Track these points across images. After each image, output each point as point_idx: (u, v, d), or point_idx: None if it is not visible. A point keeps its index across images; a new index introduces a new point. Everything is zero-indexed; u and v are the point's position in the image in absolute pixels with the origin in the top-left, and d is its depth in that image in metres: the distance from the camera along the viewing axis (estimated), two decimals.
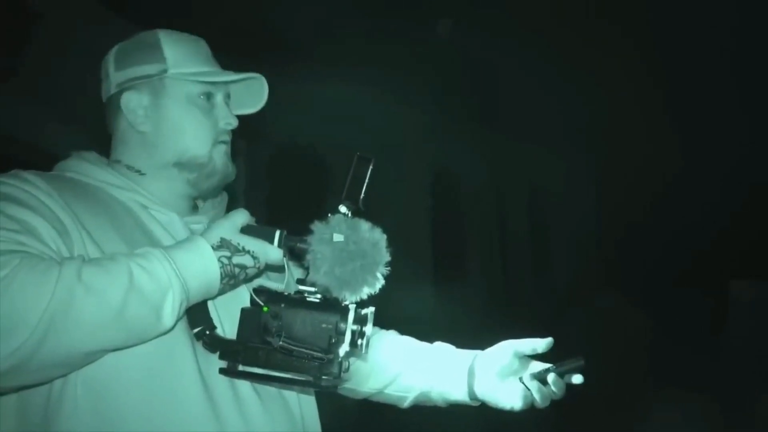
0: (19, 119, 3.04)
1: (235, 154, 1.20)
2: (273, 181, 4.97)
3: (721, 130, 6.91)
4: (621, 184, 8.02)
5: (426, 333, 1.41)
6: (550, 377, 1.14)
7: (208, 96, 1.16)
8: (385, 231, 0.98)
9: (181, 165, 1.13)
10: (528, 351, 1.20)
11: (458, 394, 1.27)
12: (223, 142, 1.17)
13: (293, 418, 1.10)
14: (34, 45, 3.14)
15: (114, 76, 1.15)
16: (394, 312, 1.43)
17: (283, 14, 3.92)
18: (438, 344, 1.35)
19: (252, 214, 1.07)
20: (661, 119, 6.79)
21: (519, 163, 7.80)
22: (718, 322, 5.94)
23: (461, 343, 1.36)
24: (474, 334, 1.49)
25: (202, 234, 1.00)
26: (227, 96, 1.19)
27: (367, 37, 4.46)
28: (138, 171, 1.14)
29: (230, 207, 1.23)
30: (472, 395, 1.25)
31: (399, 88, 4.99)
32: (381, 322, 1.24)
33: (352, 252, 0.95)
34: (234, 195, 1.28)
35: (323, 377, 0.98)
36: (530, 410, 1.19)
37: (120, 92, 1.14)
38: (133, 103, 1.13)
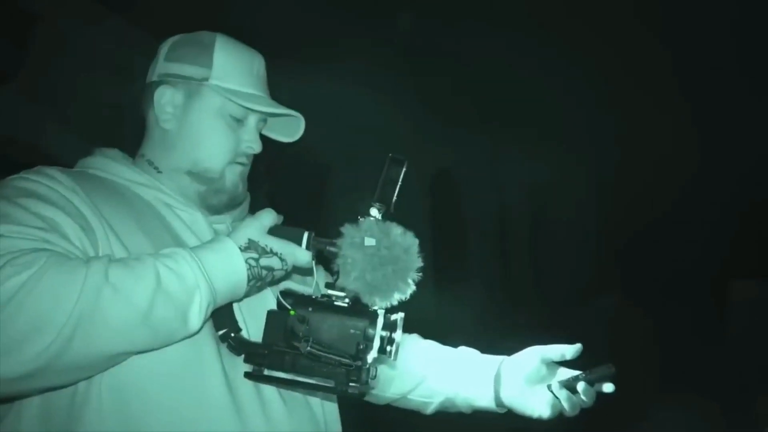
0: (19, 120, 3.01)
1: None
2: (270, 184, 4.98)
3: (719, 130, 6.88)
4: (621, 184, 8.00)
5: (426, 335, 1.39)
6: (580, 386, 1.12)
7: (239, 119, 1.13)
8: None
9: (193, 174, 1.11)
10: (556, 357, 1.18)
11: (484, 400, 1.25)
12: (240, 163, 1.14)
13: (317, 423, 1.08)
14: (33, 45, 3.10)
15: (161, 64, 1.14)
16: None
17: (280, 15, 3.91)
18: (463, 348, 1.33)
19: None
20: (661, 119, 6.76)
21: (520, 165, 7.78)
22: (719, 321, 5.95)
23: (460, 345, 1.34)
24: (473, 337, 1.48)
25: (230, 235, 0.98)
26: (263, 120, 1.17)
27: (363, 38, 4.45)
28: (156, 168, 1.13)
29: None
30: (499, 402, 1.23)
31: (397, 89, 4.97)
32: None
33: (384, 257, 0.93)
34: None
35: (350, 384, 0.96)
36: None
37: (159, 83, 1.13)
38: (165, 99, 1.12)
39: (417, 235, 0.96)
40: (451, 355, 1.31)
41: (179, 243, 1.03)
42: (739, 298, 6.10)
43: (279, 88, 1.20)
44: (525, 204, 8.46)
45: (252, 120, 1.14)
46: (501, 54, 5.18)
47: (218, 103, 1.11)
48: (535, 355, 1.19)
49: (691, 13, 4.56)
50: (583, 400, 1.13)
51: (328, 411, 1.12)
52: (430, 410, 1.32)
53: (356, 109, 4.78)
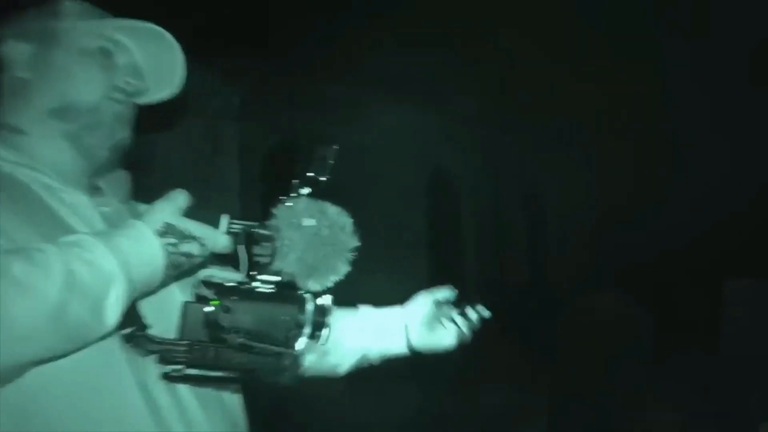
0: None
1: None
2: (267, 181, 4.51)
3: (715, 131, 7.40)
4: (617, 184, 8.24)
5: None
6: (469, 312, 1.30)
7: (107, 53, 1.01)
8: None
9: (59, 113, 0.97)
10: (442, 298, 1.30)
11: (398, 348, 1.30)
12: (117, 100, 1.01)
13: (234, 420, 1.00)
14: None
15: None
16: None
17: (281, 15, 3.60)
18: (362, 306, 1.34)
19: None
20: (658, 119, 7.13)
21: (517, 164, 7.91)
22: (713, 320, 5.84)
23: None
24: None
25: (142, 218, 0.86)
26: (134, 67, 1.04)
27: (364, 37, 4.27)
28: (21, 131, 0.96)
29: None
30: (410, 346, 1.29)
31: (397, 88, 4.81)
32: None
33: (325, 237, 0.90)
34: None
35: (283, 372, 0.91)
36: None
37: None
38: (16, 51, 0.98)
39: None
40: (356, 315, 1.31)
41: (66, 229, 0.88)
42: (734, 297, 5.69)
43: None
44: (523, 203, 8.58)
45: (121, 59, 1.03)
46: (504, 53, 5.21)
47: (78, 43, 1.00)
48: (428, 299, 1.29)
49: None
50: (472, 322, 1.28)
51: (234, 402, 1.04)
52: (342, 371, 1.30)
53: (356, 108, 4.61)
